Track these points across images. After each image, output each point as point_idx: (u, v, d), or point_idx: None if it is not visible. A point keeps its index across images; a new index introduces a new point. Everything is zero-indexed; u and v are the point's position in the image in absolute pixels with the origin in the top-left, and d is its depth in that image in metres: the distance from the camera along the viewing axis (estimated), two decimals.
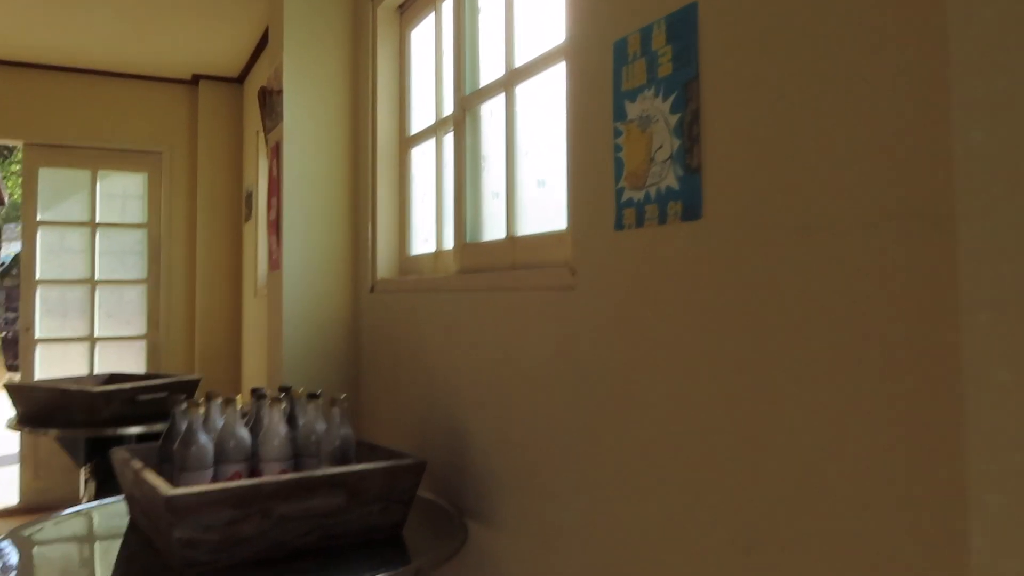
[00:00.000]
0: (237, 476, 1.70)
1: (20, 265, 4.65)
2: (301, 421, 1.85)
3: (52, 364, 4.59)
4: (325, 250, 2.60)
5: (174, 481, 1.65)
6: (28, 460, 4.51)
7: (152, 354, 4.78)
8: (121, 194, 4.80)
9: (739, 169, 1.11)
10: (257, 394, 1.83)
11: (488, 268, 1.93)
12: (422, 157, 2.48)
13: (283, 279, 2.52)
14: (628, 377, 1.33)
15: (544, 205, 1.81)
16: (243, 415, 1.87)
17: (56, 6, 3.59)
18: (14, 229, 14.20)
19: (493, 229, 2.00)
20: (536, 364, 1.61)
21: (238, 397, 1.72)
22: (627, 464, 1.33)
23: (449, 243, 2.25)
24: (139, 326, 4.77)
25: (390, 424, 2.37)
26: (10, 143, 4.77)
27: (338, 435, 1.72)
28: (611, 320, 1.37)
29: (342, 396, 1.73)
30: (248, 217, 4.58)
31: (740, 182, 1.11)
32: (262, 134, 4.33)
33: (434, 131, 2.33)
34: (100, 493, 3.07)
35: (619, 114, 1.39)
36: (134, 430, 2.88)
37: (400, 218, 2.55)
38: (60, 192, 4.66)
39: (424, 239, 2.46)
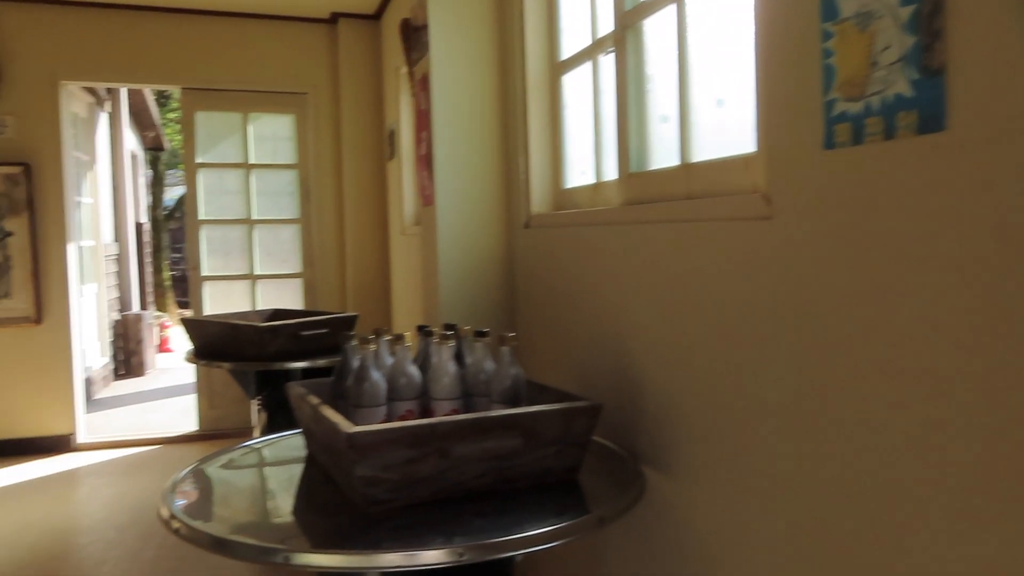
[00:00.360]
0: (409, 414, 1.70)
1: (184, 207, 4.93)
2: (469, 360, 1.82)
3: (218, 301, 4.87)
4: (477, 184, 2.53)
5: (348, 418, 1.66)
6: (204, 390, 4.86)
7: (308, 292, 4.98)
8: (272, 136, 4.95)
9: (1001, 65, 0.92)
10: (424, 331, 1.81)
11: (657, 199, 1.80)
12: (576, 83, 2.35)
13: (436, 215, 2.49)
14: (844, 317, 1.18)
15: (723, 127, 1.64)
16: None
17: None
18: (174, 175, 15.21)
19: (662, 156, 1.86)
20: (722, 301, 1.48)
21: (407, 334, 1.71)
22: (843, 412, 1.19)
23: (609, 174, 2.12)
24: (295, 264, 4.97)
25: (550, 364, 2.31)
26: (168, 88, 5.00)
27: (508, 375, 1.67)
28: (820, 253, 1.22)
29: (511, 334, 1.68)
30: (391, 155, 4.61)
31: (1002, 81, 0.91)
32: (403, 71, 4.30)
33: (590, 53, 2.18)
34: (271, 423, 3.24)
35: (828, 13, 1.20)
36: (299, 364, 2.99)
37: (553, 149, 2.44)
38: (216, 135, 4.86)
39: (581, 171, 2.35)
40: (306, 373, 3.08)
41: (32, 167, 4.42)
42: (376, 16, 4.77)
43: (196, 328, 3.24)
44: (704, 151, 1.67)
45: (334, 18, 4.78)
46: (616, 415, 1.92)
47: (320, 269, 4.95)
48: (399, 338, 1.70)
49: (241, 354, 3.05)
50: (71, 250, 4.62)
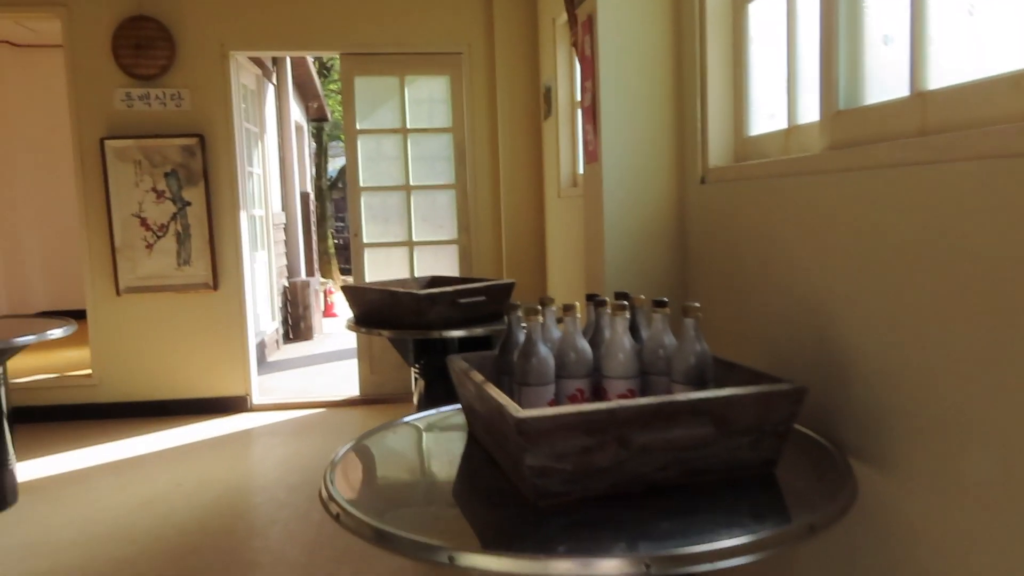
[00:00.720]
0: (579, 393, 1.51)
1: (345, 175, 5.00)
2: (644, 333, 1.61)
3: (377, 267, 4.93)
4: (647, 137, 2.28)
5: (514, 396, 1.50)
6: (364, 356, 4.95)
7: (463, 258, 4.93)
8: (427, 99, 4.90)
9: None
10: (595, 301, 1.61)
11: (876, 140, 1.48)
12: (765, 11, 2.03)
13: (602, 172, 2.26)
14: None
15: (973, 42, 1.30)
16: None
17: None
18: (337, 146, 15.89)
19: (883, 87, 1.53)
20: (974, 262, 1.17)
21: (577, 304, 1.52)
22: None
23: (807, 115, 1.81)
24: (451, 230, 4.93)
25: (731, 337, 2.05)
26: (329, 54, 5.06)
27: (693, 351, 1.44)
28: None
29: (695, 304, 1.44)
30: (547, 114, 4.41)
31: None
32: (560, 21, 4.08)
33: None
34: (429, 391, 3.20)
35: None
36: (456, 333, 2.90)
37: (736, 91, 2.14)
38: (374, 100, 4.87)
39: (769, 115, 2.04)
40: (463, 342, 2.99)
41: (206, 138, 4.61)
42: None
43: (356, 295, 3.22)
44: (946, 75, 1.34)
45: None
46: (816, 398, 1.64)
47: (475, 234, 4.88)
48: (569, 308, 1.51)
49: (400, 322, 3.00)
50: (243, 219, 4.80)
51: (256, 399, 4.91)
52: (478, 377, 1.48)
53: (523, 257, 4.76)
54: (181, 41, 4.56)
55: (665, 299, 1.53)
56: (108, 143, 4.52)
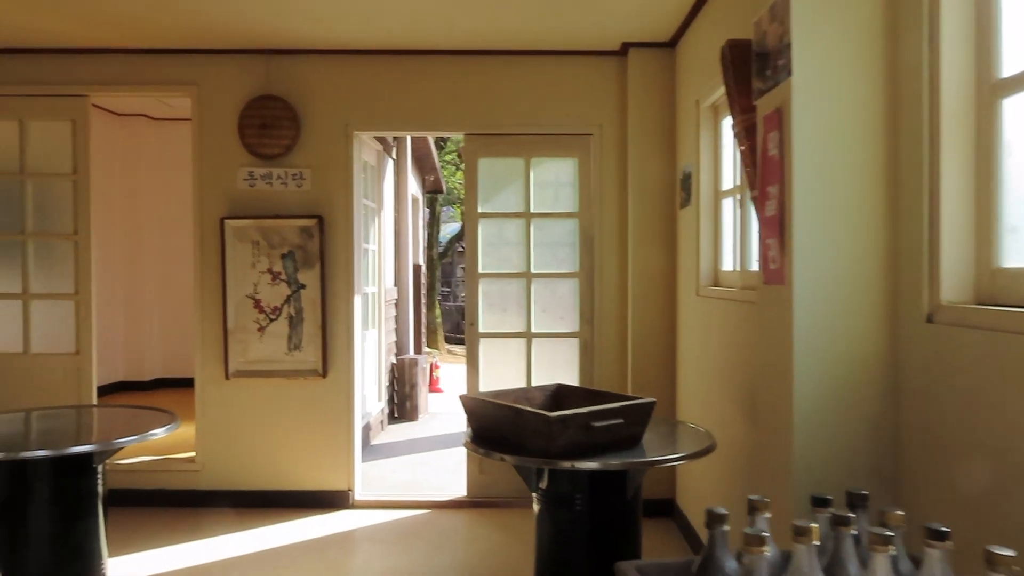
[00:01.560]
0: None
1: (465, 256, 4.72)
2: (905, 569, 1.15)
3: (493, 359, 4.58)
4: (849, 258, 1.83)
5: None
6: (473, 454, 4.56)
7: (584, 352, 4.52)
8: (553, 182, 4.60)
9: None
10: (835, 518, 1.16)
11: None
12: None
13: (792, 302, 1.82)
14: None
15: None
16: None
17: None
18: (448, 212, 15.98)
19: None
20: None
21: (813, 528, 1.07)
22: None
23: None
24: (572, 322, 4.54)
25: (972, 555, 1.53)
26: (454, 134, 4.85)
27: None
28: None
29: (1006, 553, 0.98)
30: (685, 202, 4.00)
31: None
32: (704, 104, 3.70)
33: None
34: (550, 514, 2.79)
35: None
36: (590, 465, 2.49)
37: (979, 209, 1.67)
38: (497, 183, 4.61)
39: None
40: (595, 478, 2.59)
41: (325, 219, 4.45)
42: (671, 44, 4.22)
43: (474, 408, 2.86)
44: None
45: (624, 49, 4.31)
46: None
47: (599, 328, 4.47)
48: (804, 533, 1.07)
49: (524, 444, 2.61)
50: (357, 303, 4.59)
51: (359, 494, 4.60)
52: None
53: (651, 356, 4.31)
54: (306, 121, 4.46)
55: (946, 529, 1.06)
56: (228, 222, 4.43)
